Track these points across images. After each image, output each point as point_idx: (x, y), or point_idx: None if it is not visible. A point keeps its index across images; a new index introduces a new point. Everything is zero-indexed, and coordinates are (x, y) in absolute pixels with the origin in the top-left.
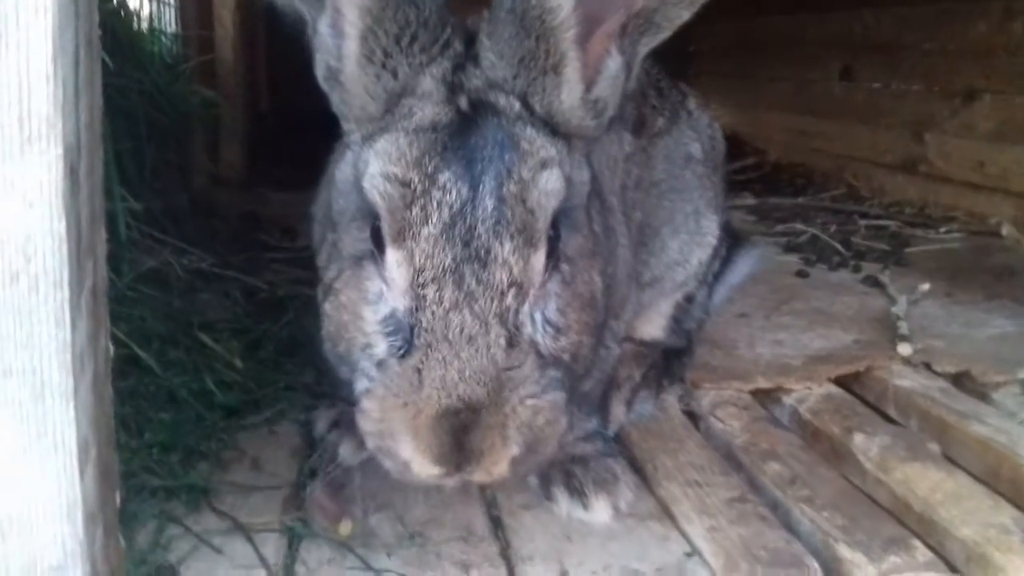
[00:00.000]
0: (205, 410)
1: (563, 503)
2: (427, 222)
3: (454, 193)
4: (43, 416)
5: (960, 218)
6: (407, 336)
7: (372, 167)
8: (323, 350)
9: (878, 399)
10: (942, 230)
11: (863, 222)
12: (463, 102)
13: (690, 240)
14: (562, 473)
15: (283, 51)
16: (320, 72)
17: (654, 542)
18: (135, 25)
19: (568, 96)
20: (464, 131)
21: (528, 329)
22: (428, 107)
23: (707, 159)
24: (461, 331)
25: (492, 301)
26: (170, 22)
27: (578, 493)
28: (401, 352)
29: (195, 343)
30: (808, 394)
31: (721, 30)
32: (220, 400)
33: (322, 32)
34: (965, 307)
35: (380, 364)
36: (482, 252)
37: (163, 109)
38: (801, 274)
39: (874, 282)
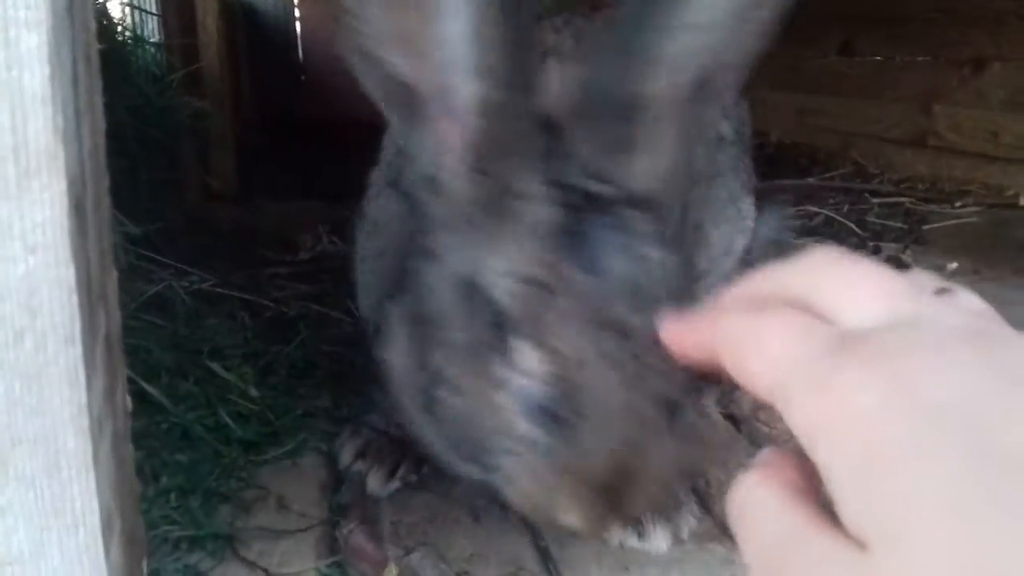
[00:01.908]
0: (222, 446)
1: (615, 532)
2: (557, 313)
3: (579, 282)
4: (60, 490)
5: (975, 191)
6: (551, 409)
7: (491, 269)
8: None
9: None
10: (958, 204)
11: (875, 200)
12: (572, 197)
13: (732, 228)
14: None
15: (265, 57)
16: (417, 180)
17: (718, 567)
18: (118, 36)
19: (648, 166)
20: (575, 224)
21: (663, 387)
22: (535, 207)
23: (738, 139)
24: (612, 402)
25: (635, 367)
26: (153, 32)
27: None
28: (546, 427)
29: (205, 373)
30: None
31: None
32: (237, 434)
33: (418, 144)
34: (995, 284)
35: (525, 441)
36: (617, 327)
37: (153, 124)
38: None
39: (898, 263)
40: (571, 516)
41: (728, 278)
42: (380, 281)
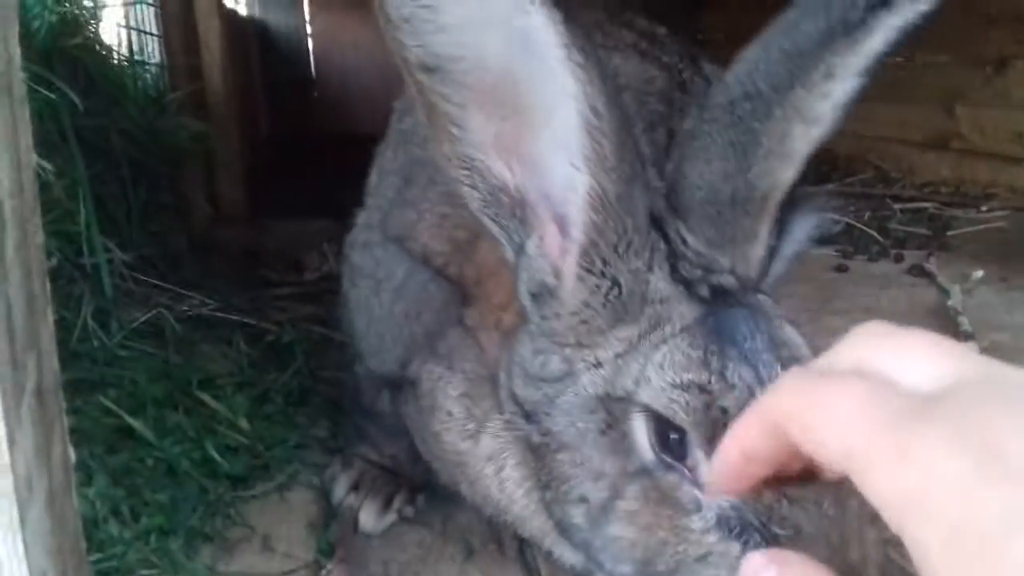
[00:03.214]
0: (209, 481)
1: None
2: (733, 416)
3: (740, 383)
4: None
5: (1001, 194)
6: (762, 521)
7: (658, 380)
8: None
9: None
10: (983, 209)
11: (897, 206)
12: (703, 291)
13: None
14: None
15: (278, 74)
16: (529, 288)
17: None
18: (113, 59)
19: (761, 252)
20: (718, 319)
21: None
22: (677, 308)
23: None
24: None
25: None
26: (154, 53)
27: None
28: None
29: (195, 403)
30: None
31: (728, 17)
32: (225, 468)
33: (530, 253)
34: None
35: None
36: None
37: (148, 147)
38: (840, 268)
39: (920, 271)
40: None
41: None
42: (406, 344)
